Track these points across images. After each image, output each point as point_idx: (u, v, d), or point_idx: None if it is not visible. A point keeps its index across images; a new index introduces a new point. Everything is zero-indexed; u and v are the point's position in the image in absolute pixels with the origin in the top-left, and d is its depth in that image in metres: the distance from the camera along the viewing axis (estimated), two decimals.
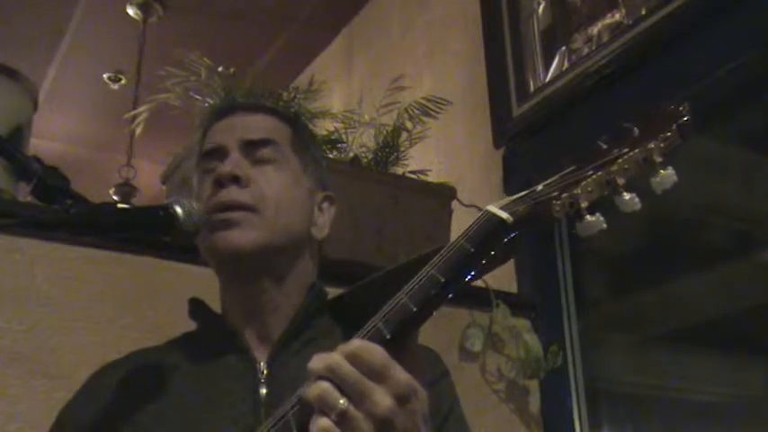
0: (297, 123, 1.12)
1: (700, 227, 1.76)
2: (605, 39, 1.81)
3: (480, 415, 1.62)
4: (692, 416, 1.69)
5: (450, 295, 0.75)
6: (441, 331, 1.61)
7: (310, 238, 1.04)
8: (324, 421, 0.66)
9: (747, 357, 1.60)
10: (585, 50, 1.87)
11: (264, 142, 1.02)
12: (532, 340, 1.68)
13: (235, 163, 0.99)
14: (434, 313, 0.75)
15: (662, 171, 0.75)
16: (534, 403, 1.74)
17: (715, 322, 1.67)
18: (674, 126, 0.75)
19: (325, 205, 1.08)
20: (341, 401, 0.66)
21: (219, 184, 0.98)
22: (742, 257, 1.66)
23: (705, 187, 1.72)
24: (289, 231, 0.99)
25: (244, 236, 0.95)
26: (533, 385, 1.74)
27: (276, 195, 0.99)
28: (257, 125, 1.05)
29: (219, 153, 1.02)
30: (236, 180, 0.98)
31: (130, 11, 3.22)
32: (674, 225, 1.78)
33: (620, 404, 1.83)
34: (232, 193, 0.97)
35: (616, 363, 1.86)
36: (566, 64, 1.93)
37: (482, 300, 1.67)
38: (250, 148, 1.02)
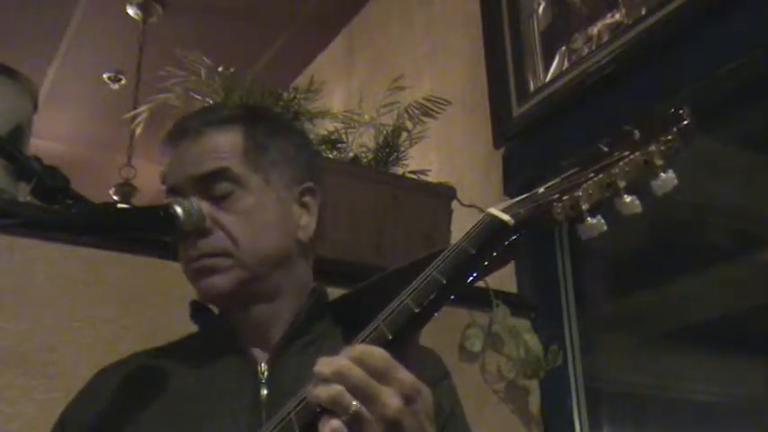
0: (249, 122, 1.02)
1: (700, 227, 1.76)
2: (605, 39, 1.81)
3: (480, 415, 1.62)
4: (692, 416, 1.70)
5: (452, 296, 0.76)
6: (441, 331, 1.61)
7: (298, 244, 1.00)
8: (335, 422, 0.67)
9: (747, 357, 1.60)
10: (585, 50, 1.87)
11: (216, 175, 0.95)
12: (532, 340, 1.68)
13: None
14: (436, 314, 0.76)
15: (663, 174, 0.75)
16: (534, 403, 1.73)
17: (715, 322, 1.67)
18: (675, 129, 0.75)
19: (306, 199, 1.02)
20: (354, 403, 0.67)
21: (183, 238, 0.95)
22: (742, 257, 1.66)
23: (705, 187, 1.72)
24: (269, 255, 0.96)
25: (222, 280, 0.94)
26: (533, 385, 1.73)
27: (243, 230, 0.94)
28: (204, 152, 0.97)
29: (177, 195, 0.97)
30: (198, 232, 0.93)
31: (130, 11, 3.22)
32: (674, 225, 1.78)
33: (620, 404, 1.83)
34: (200, 248, 0.94)
35: (616, 363, 1.87)
36: (566, 64, 1.93)
37: (482, 300, 1.67)
38: (203, 184, 0.95)
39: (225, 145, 0.98)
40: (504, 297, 1.71)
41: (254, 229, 0.95)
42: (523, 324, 1.73)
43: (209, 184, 0.95)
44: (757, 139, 1.64)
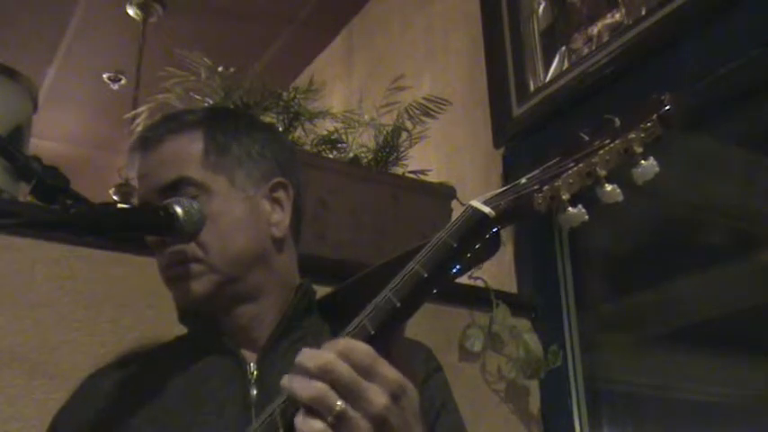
0: (209, 124, 1.01)
1: (700, 227, 1.76)
2: (605, 39, 1.81)
3: (480, 415, 1.62)
4: (692, 416, 1.69)
5: (435, 290, 0.76)
6: (440, 331, 1.61)
7: (273, 241, 0.99)
8: (318, 424, 0.66)
9: (747, 357, 1.60)
10: (585, 50, 1.87)
11: (176, 184, 0.95)
12: (532, 340, 1.68)
13: None
14: (419, 308, 0.75)
15: (643, 162, 0.74)
16: (534, 403, 1.74)
17: (715, 322, 1.67)
18: (655, 116, 0.75)
19: (278, 194, 1.01)
20: (338, 403, 0.66)
21: (153, 247, 0.97)
22: (742, 257, 1.66)
23: (705, 187, 1.72)
24: (241, 257, 0.96)
25: (196, 286, 0.94)
26: (533, 385, 1.74)
27: (211, 235, 0.94)
28: (165, 161, 0.97)
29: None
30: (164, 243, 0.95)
31: (130, 11, 3.22)
32: (674, 225, 1.78)
33: (620, 404, 1.83)
34: (170, 256, 0.95)
35: (616, 363, 1.86)
36: (566, 64, 1.93)
37: (482, 300, 1.67)
38: (168, 194, 0.95)
39: (184, 151, 0.98)
40: (504, 297, 1.71)
41: (222, 233, 0.95)
42: (523, 324, 1.73)
43: (173, 193, 0.94)
44: (757, 139, 1.64)
